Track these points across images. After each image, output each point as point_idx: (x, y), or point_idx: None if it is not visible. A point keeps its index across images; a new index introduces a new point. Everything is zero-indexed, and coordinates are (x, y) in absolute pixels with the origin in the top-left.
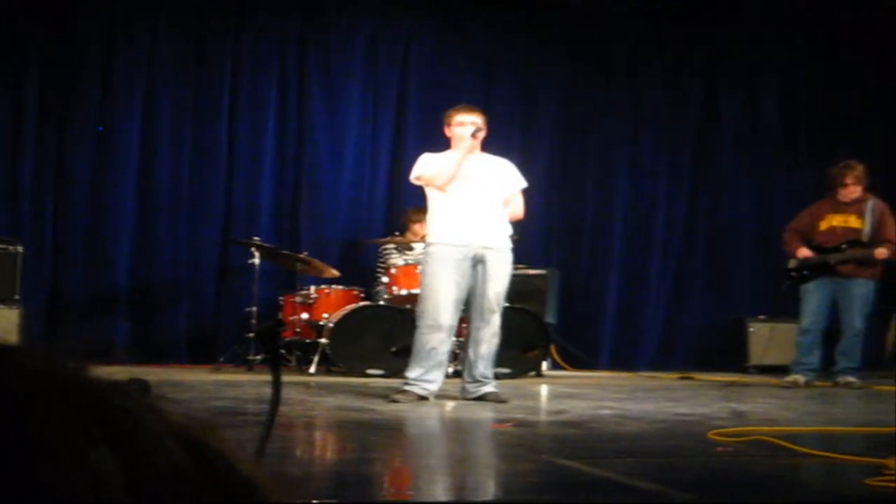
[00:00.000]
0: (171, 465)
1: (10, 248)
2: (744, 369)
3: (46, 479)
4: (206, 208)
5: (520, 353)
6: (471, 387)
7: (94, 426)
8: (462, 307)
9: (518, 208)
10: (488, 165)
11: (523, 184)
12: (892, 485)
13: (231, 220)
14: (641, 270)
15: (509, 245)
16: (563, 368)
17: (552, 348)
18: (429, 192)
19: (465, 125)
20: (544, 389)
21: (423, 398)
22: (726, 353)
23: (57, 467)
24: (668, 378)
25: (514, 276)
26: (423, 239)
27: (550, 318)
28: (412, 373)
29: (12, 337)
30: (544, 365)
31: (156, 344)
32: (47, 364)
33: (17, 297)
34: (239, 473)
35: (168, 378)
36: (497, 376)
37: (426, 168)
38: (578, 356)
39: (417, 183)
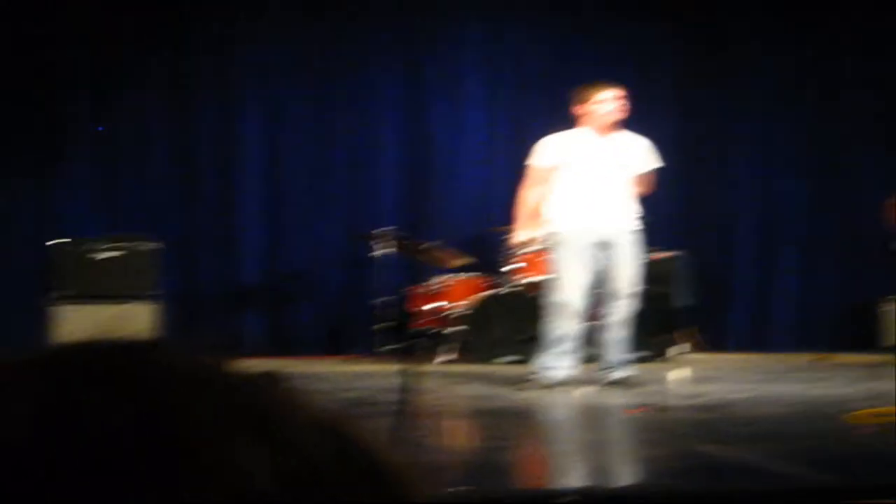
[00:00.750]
0: (315, 456)
1: (145, 245)
2: (878, 349)
3: (193, 472)
4: (332, 200)
5: (652, 337)
6: (604, 372)
7: (237, 419)
8: (591, 292)
9: (647, 187)
10: (620, 145)
11: (657, 164)
12: None
13: (358, 212)
14: (770, 251)
15: (637, 228)
16: (695, 352)
17: (684, 332)
18: (552, 176)
19: (608, 101)
20: (677, 373)
21: (554, 385)
22: (859, 334)
23: (202, 460)
24: (802, 359)
25: (644, 259)
26: (546, 225)
27: (681, 302)
28: (543, 360)
29: (149, 333)
30: (677, 349)
31: (287, 336)
32: (187, 359)
33: (153, 293)
34: (380, 463)
35: (300, 370)
36: (630, 361)
37: (548, 158)
38: (710, 339)
39: (533, 171)
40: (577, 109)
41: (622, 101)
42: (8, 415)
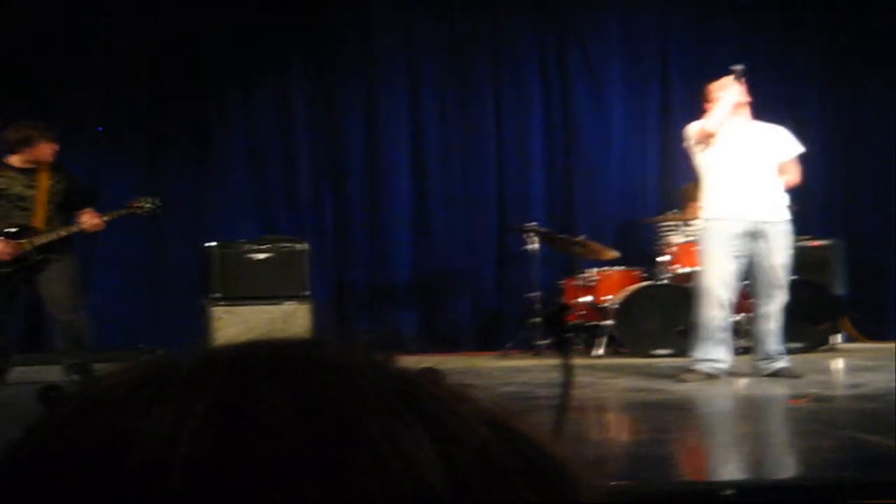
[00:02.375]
0: (485, 450)
1: (296, 245)
2: None
3: (364, 465)
4: (479, 197)
5: (810, 326)
6: (762, 363)
7: (407, 412)
8: (743, 282)
9: (794, 175)
10: (761, 133)
11: (799, 149)
12: None
13: (505, 208)
14: None
15: (788, 216)
16: (856, 340)
17: (843, 320)
18: (702, 164)
19: (724, 87)
20: (838, 363)
21: (711, 377)
22: None
23: (374, 453)
24: None
25: (797, 248)
26: (699, 215)
27: (839, 289)
28: (698, 352)
29: (305, 333)
30: (837, 337)
31: (442, 333)
32: (350, 355)
33: (306, 293)
34: (550, 457)
35: (456, 366)
36: (788, 351)
37: (694, 128)
38: (870, 327)
39: (691, 149)
40: (707, 106)
41: (745, 86)
42: (186, 410)
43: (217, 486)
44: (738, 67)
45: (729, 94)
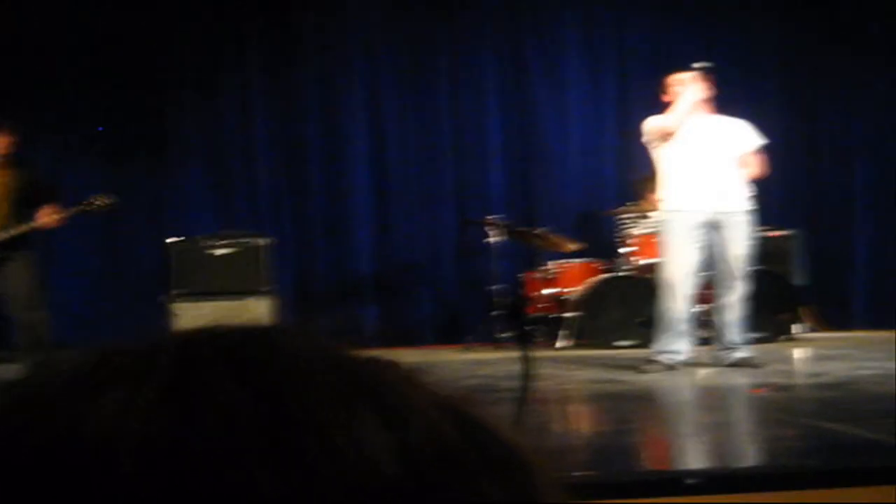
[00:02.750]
0: (440, 436)
1: (255, 240)
2: None
3: (315, 450)
4: (438, 189)
5: (771, 316)
6: (723, 353)
7: (360, 398)
8: (703, 274)
9: (756, 167)
10: (721, 126)
11: (759, 141)
12: None
13: (464, 200)
14: (891, 225)
15: (747, 207)
16: (816, 330)
17: (804, 310)
18: (660, 157)
19: (683, 82)
20: (799, 352)
21: (674, 367)
22: None
23: (325, 438)
24: None
25: (758, 238)
26: (657, 207)
27: (799, 280)
28: (658, 343)
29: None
30: (797, 327)
31: (402, 327)
32: (307, 342)
33: (267, 288)
34: (505, 443)
35: (418, 359)
36: (749, 341)
37: (653, 122)
38: (831, 316)
39: (650, 144)
40: (665, 98)
41: (707, 83)
42: (138, 395)
43: (167, 469)
44: (704, 65)
45: (689, 91)
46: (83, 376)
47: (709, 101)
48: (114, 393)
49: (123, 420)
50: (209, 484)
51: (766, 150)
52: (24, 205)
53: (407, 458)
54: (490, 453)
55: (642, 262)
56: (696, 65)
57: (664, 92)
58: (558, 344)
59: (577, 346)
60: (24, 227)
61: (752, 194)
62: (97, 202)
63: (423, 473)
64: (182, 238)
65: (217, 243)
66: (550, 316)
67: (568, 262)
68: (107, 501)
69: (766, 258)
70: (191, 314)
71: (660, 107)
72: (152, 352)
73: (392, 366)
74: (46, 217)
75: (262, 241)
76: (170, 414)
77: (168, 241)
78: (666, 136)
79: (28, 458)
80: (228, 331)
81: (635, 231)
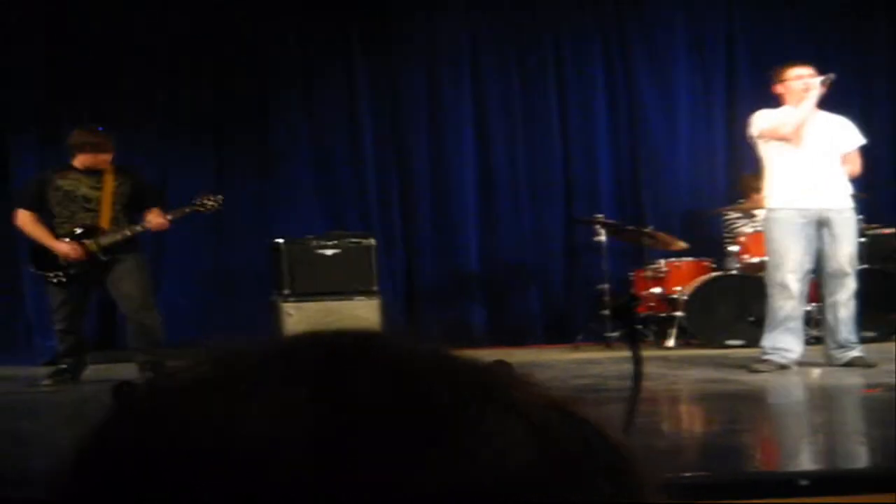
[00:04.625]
0: (559, 436)
1: (364, 241)
2: None
3: (457, 453)
4: (546, 188)
5: (882, 314)
6: (836, 353)
7: (494, 400)
8: (811, 271)
9: (856, 166)
10: (826, 123)
11: (861, 140)
12: None
13: (572, 199)
14: None
15: (852, 204)
16: None
17: None
18: (766, 154)
19: (803, 78)
20: None
21: (783, 367)
22: None
23: (465, 441)
24: None
25: (868, 235)
26: (762, 205)
27: None
28: (768, 342)
29: (375, 327)
30: None
31: (511, 326)
32: (425, 347)
33: (374, 288)
34: (613, 443)
35: (526, 359)
36: (860, 340)
37: (768, 121)
38: None
39: (760, 140)
40: (777, 88)
41: (829, 76)
42: (289, 397)
43: (329, 469)
44: (829, 77)
45: (811, 96)
46: (227, 378)
47: (806, 95)
48: (263, 394)
49: (281, 421)
50: (371, 482)
51: (875, 147)
52: (133, 208)
53: (533, 458)
54: (600, 453)
55: (751, 260)
56: (825, 77)
57: (777, 82)
58: (668, 343)
59: (687, 345)
60: (132, 230)
61: (861, 192)
62: (206, 202)
63: (547, 475)
64: (289, 238)
65: (325, 243)
66: (660, 315)
67: (677, 261)
68: (271, 501)
69: (877, 256)
70: (298, 314)
71: (768, 101)
72: (286, 353)
73: (506, 367)
74: (154, 220)
75: (369, 242)
76: (323, 414)
77: (276, 240)
78: (779, 138)
79: (192, 461)
80: (347, 333)
81: (744, 229)
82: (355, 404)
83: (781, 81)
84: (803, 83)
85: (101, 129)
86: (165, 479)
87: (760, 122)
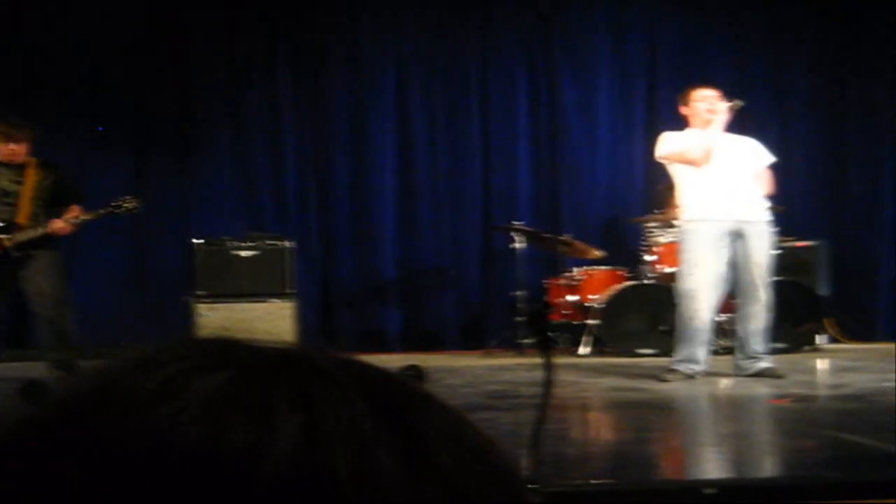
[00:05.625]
0: (487, 456)
1: (280, 243)
2: None
3: (449, 464)
4: (465, 194)
5: (793, 326)
6: (745, 363)
7: (380, 425)
8: (725, 283)
9: (767, 184)
10: (736, 142)
11: (771, 159)
12: None
13: (491, 206)
14: None
15: (768, 217)
16: (839, 341)
17: (826, 321)
18: (677, 169)
19: (707, 100)
20: (821, 363)
21: (691, 377)
22: None
23: (450, 452)
24: None
25: (781, 249)
26: (678, 216)
27: (822, 290)
28: (678, 352)
29: (288, 330)
30: (820, 338)
31: (427, 331)
32: (333, 358)
33: (290, 291)
34: (507, 458)
35: (441, 364)
36: (771, 351)
37: (672, 145)
38: (854, 327)
39: (664, 161)
40: (683, 109)
41: (720, 102)
42: (269, 410)
43: (312, 483)
44: (737, 103)
45: (715, 125)
46: (159, 385)
47: (712, 117)
48: (242, 406)
49: (263, 435)
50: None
51: (792, 161)
52: (51, 205)
53: (483, 468)
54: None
55: (666, 270)
56: (730, 103)
57: (683, 104)
58: (580, 351)
59: (599, 353)
60: (41, 231)
61: (776, 205)
62: (124, 204)
63: (488, 488)
64: (207, 239)
65: (242, 245)
66: (573, 323)
67: (591, 270)
68: None
69: (790, 269)
70: (213, 315)
71: (682, 119)
72: (202, 360)
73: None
74: (57, 224)
75: (286, 244)
76: (306, 429)
77: (193, 241)
78: (688, 163)
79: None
80: (305, 349)
81: (660, 239)
82: (338, 423)
83: (687, 103)
84: (708, 106)
85: (15, 119)
86: (107, 489)
87: (665, 145)
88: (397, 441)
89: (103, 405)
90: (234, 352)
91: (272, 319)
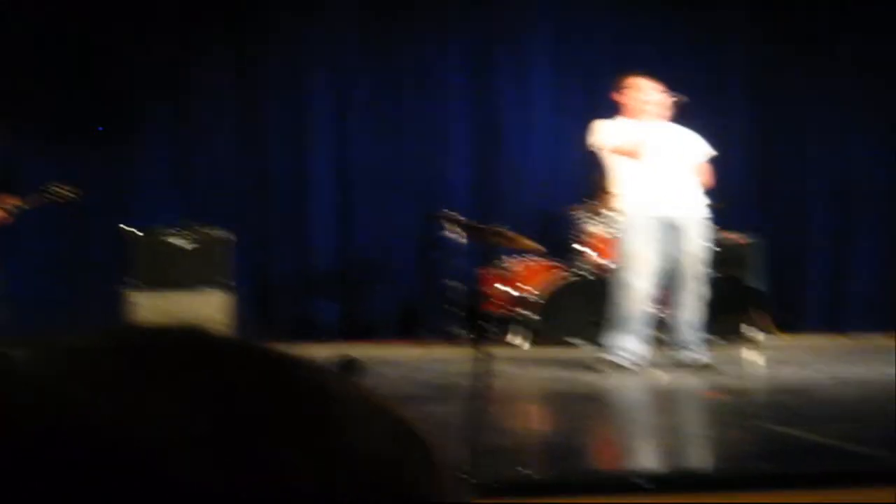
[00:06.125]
0: (379, 443)
1: (214, 233)
2: None
3: (336, 452)
4: (401, 185)
5: (725, 319)
6: (679, 355)
7: (345, 402)
8: (661, 275)
9: (707, 177)
10: (674, 136)
11: (711, 152)
12: None
13: (427, 196)
14: (846, 230)
15: (705, 211)
16: (771, 334)
17: (758, 314)
18: (612, 158)
19: (641, 88)
20: (752, 356)
21: (626, 368)
22: None
23: (340, 441)
24: (879, 340)
25: (717, 242)
26: (613, 206)
27: (755, 284)
28: (614, 342)
29: (223, 321)
30: (751, 331)
31: (363, 321)
32: (256, 349)
33: (227, 281)
34: (431, 448)
35: (376, 354)
36: (704, 344)
37: (607, 136)
38: (785, 321)
39: (596, 150)
40: (616, 96)
41: (660, 92)
42: (161, 393)
43: (205, 468)
44: (679, 97)
45: (651, 116)
46: (96, 370)
47: (648, 107)
48: (135, 388)
49: (156, 418)
50: (252, 482)
51: (728, 156)
52: None
53: (396, 456)
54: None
55: (600, 261)
56: (672, 97)
57: (618, 91)
58: (514, 342)
59: (533, 344)
60: None
61: (711, 199)
62: (62, 192)
63: (403, 473)
64: (141, 228)
65: (176, 234)
66: (507, 314)
67: (526, 260)
68: (138, 500)
69: (724, 262)
70: (147, 305)
71: (615, 107)
72: (138, 348)
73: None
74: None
75: (221, 234)
76: (196, 410)
77: (129, 230)
78: (624, 154)
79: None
80: (201, 330)
81: (594, 230)
82: (226, 406)
83: (620, 90)
84: (641, 94)
85: None
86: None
87: (599, 135)
88: (289, 424)
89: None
90: (125, 335)
91: (207, 310)
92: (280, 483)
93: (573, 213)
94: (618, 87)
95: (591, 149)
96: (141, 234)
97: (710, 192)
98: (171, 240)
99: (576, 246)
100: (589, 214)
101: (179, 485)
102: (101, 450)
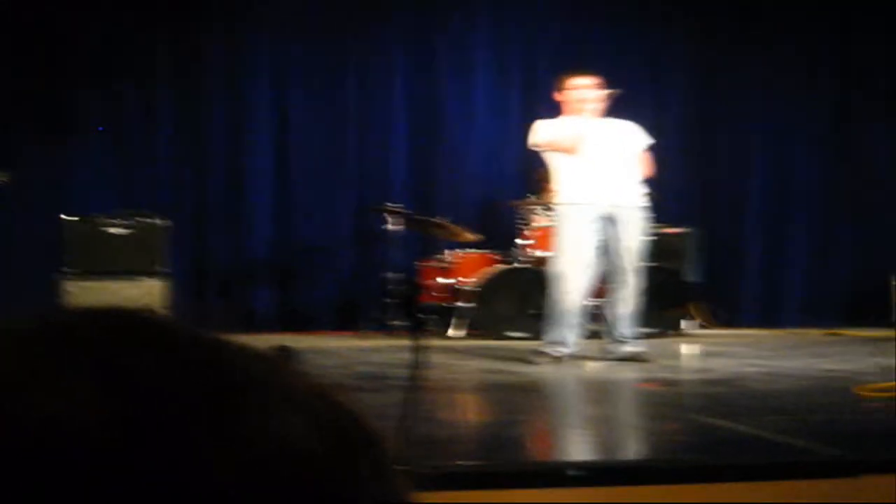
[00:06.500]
0: (334, 427)
1: (151, 221)
2: (891, 324)
3: (250, 433)
4: (339, 176)
5: (661, 311)
6: (612, 347)
7: (264, 386)
8: (597, 267)
9: (646, 166)
10: (612, 127)
11: (649, 141)
12: None
13: (365, 187)
14: (783, 225)
15: (641, 203)
16: (705, 327)
17: (694, 306)
18: (552, 155)
19: (580, 88)
20: (687, 348)
21: (563, 359)
22: (872, 309)
23: (256, 419)
24: (814, 334)
25: (653, 235)
26: (553, 199)
27: (691, 277)
28: (548, 335)
29: (159, 309)
30: (687, 323)
31: (300, 311)
32: (196, 329)
33: (162, 269)
34: (367, 430)
35: (313, 345)
36: (639, 336)
37: (546, 134)
38: (721, 314)
39: (537, 149)
40: (557, 96)
41: (598, 89)
42: (76, 379)
43: (118, 453)
44: (615, 91)
45: (587, 112)
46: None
47: (587, 105)
48: (42, 373)
49: (70, 405)
50: (156, 466)
51: (665, 149)
52: None
53: (313, 443)
54: (362, 442)
55: (539, 254)
56: (607, 92)
57: (558, 90)
58: (451, 333)
59: (470, 336)
60: None
61: (646, 192)
62: None
63: (326, 459)
64: (77, 215)
65: (113, 222)
66: (444, 305)
67: (465, 252)
68: (61, 489)
69: (660, 255)
70: (82, 293)
71: (556, 106)
72: (58, 331)
73: (288, 353)
74: None
75: (158, 222)
76: (108, 397)
77: (62, 217)
78: (561, 150)
79: None
80: (125, 311)
81: (534, 223)
82: (138, 387)
83: (561, 91)
84: (580, 94)
85: None
86: None
87: (539, 134)
88: (203, 406)
89: None
90: (49, 317)
91: (143, 298)
92: (186, 463)
93: (515, 206)
94: (558, 88)
95: (533, 148)
96: (76, 220)
97: (650, 182)
98: (107, 227)
99: (517, 239)
100: (530, 208)
101: (92, 463)
102: (19, 428)
